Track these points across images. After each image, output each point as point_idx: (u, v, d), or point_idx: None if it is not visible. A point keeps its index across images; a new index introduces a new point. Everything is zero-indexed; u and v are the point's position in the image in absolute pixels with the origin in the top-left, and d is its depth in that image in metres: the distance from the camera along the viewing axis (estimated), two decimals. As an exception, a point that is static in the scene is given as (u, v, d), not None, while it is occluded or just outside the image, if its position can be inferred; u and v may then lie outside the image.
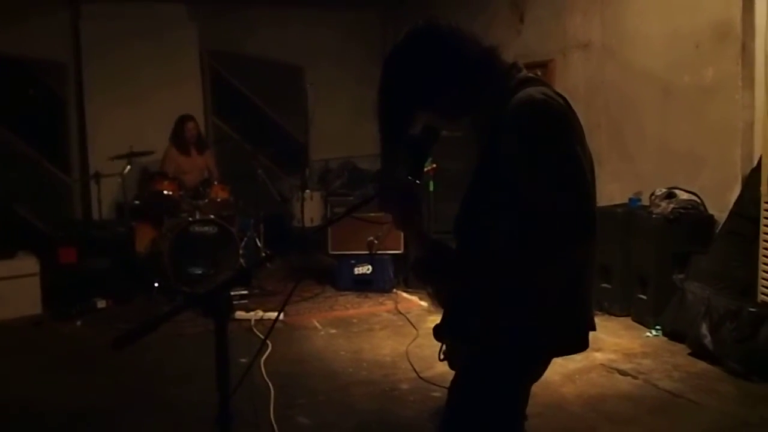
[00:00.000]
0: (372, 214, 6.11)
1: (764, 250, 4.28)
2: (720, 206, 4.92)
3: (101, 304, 5.91)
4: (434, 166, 5.96)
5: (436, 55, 1.78)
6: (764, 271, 4.28)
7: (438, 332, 1.93)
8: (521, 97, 1.68)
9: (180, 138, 6.99)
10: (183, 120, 7.03)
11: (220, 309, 1.61)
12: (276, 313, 5.45)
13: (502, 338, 1.79)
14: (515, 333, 1.76)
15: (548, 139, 1.64)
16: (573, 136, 1.68)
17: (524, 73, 1.82)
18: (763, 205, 4.27)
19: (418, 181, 1.86)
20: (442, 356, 1.99)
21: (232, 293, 1.90)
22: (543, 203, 1.61)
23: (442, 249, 1.87)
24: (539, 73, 1.90)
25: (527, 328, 1.76)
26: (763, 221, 4.28)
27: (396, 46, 1.87)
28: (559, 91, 1.80)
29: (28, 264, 5.93)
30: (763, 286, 4.28)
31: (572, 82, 6.15)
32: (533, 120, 1.65)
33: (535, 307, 1.75)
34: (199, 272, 6.13)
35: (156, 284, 6.12)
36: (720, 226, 4.86)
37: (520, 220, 1.66)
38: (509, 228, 1.70)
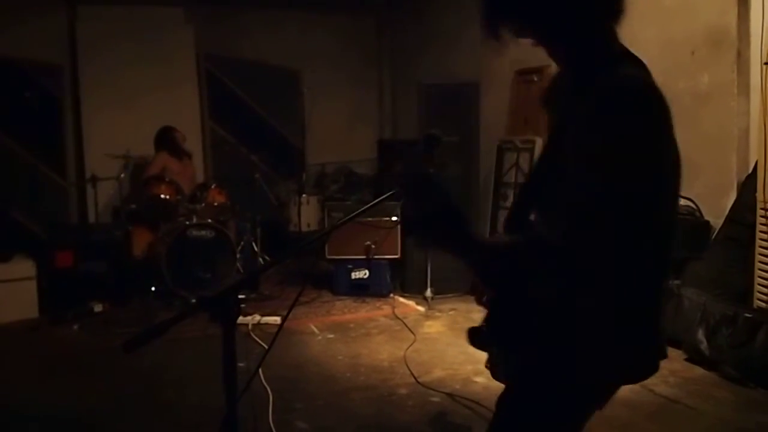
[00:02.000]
0: (370, 219, 6.16)
1: (760, 256, 4.30)
2: (716, 212, 4.94)
3: (98, 308, 5.90)
4: (429, 169, 5.97)
5: None
6: (760, 277, 4.30)
7: (475, 338, 1.66)
8: (615, 77, 1.47)
9: (173, 144, 7.00)
10: (169, 129, 7.05)
11: (228, 313, 1.62)
12: (275, 318, 5.47)
13: (566, 356, 1.55)
14: (584, 352, 1.54)
15: (626, 136, 1.40)
16: (661, 129, 1.48)
17: (623, 47, 1.60)
18: (759, 211, 4.29)
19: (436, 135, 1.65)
20: (487, 364, 1.74)
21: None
22: (585, 206, 1.41)
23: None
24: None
25: (600, 347, 1.54)
26: (759, 227, 4.31)
27: None
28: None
29: (24, 268, 5.92)
30: (759, 292, 4.30)
31: (569, 87, 6.16)
32: (618, 108, 1.41)
33: (610, 320, 1.52)
34: (196, 276, 6.12)
35: (153, 288, 6.12)
36: (716, 232, 4.89)
37: (573, 207, 1.44)
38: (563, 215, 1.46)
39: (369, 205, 2.14)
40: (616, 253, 1.44)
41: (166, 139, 7.02)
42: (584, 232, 1.40)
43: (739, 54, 4.81)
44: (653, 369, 1.61)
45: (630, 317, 1.54)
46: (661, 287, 1.59)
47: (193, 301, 5.92)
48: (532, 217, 1.65)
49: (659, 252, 1.54)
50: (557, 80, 1.67)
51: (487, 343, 1.68)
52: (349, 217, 2.20)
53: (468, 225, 1.47)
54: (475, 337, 1.66)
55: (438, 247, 1.54)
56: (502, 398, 1.73)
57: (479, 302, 1.69)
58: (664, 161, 1.49)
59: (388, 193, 2.13)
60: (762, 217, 4.27)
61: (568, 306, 1.50)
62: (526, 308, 1.56)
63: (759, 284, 4.31)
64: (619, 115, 1.40)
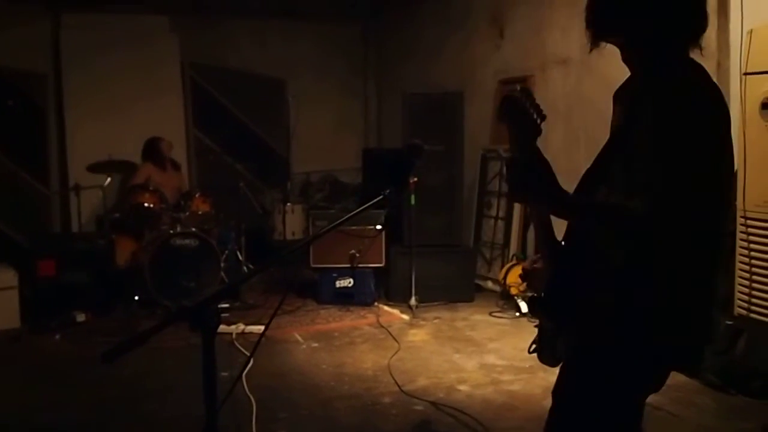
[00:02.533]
0: (354, 227, 6.16)
1: (740, 264, 4.34)
2: (697, 221, 4.99)
3: (80, 317, 5.85)
4: (415, 179, 6.00)
5: None
6: (740, 285, 4.34)
7: (537, 306, 1.80)
8: (678, 78, 1.72)
9: (157, 155, 6.99)
10: (156, 140, 7.03)
11: (209, 323, 1.62)
12: (259, 327, 5.45)
13: (626, 334, 1.68)
14: (641, 331, 1.66)
15: (690, 125, 1.63)
16: (718, 126, 1.69)
17: (696, 63, 1.81)
18: (739, 220, 4.34)
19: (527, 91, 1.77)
20: (531, 348, 1.89)
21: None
22: (654, 184, 1.61)
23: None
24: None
25: (656, 327, 1.66)
26: (740, 235, 4.35)
27: None
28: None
29: (6, 277, 5.87)
30: (740, 300, 4.34)
31: (551, 97, 6.21)
32: (681, 103, 1.65)
33: (668, 300, 1.66)
34: (180, 285, 6.10)
35: (136, 297, 6.09)
36: (697, 241, 4.93)
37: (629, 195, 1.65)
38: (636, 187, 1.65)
39: (352, 214, 2.15)
40: (680, 229, 1.61)
41: (151, 150, 7.01)
42: (656, 203, 1.59)
43: (719, 64, 4.86)
44: (702, 357, 1.79)
45: (686, 303, 1.69)
46: (716, 279, 1.75)
47: (174, 309, 5.89)
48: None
49: (715, 242, 1.71)
50: (628, 81, 1.89)
51: (547, 311, 1.81)
52: (333, 225, 2.20)
53: (557, 185, 1.68)
54: (535, 304, 1.81)
55: (540, 201, 1.74)
56: (558, 385, 1.86)
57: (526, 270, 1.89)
58: (717, 152, 1.68)
59: (372, 201, 2.14)
60: (742, 225, 4.31)
61: (631, 285, 1.66)
62: (588, 284, 1.73)
63: (739, 292, 4.35)
64: (677, 112, 1.63)
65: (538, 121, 1.70)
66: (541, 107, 1.70)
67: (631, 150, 1.69)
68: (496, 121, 1.71)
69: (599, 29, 1.81)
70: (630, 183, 1.67)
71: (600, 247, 1.75)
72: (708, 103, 1.69)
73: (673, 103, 1.64)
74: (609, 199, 1.74)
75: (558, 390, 1.88)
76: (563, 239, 1.84)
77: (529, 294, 1.83)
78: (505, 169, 1.72)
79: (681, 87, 1.69)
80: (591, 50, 1.85)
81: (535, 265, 1.95)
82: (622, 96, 1.89)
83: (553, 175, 1.68)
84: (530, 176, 1.66)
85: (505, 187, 6.55)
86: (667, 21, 1.75)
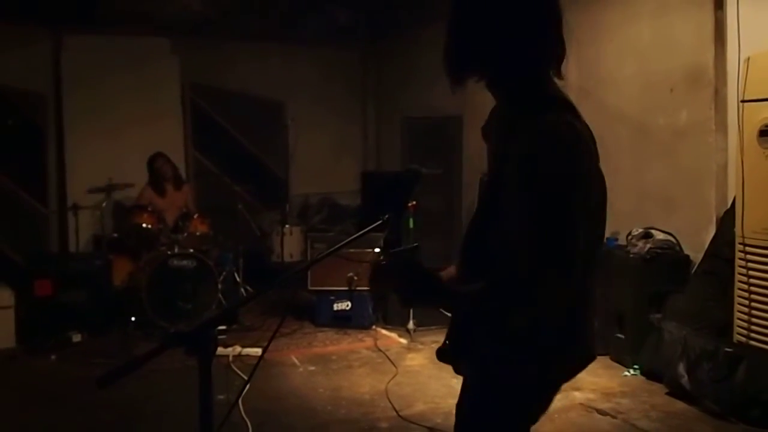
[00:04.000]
0: (353, 251, 6.15)
1: (739, 291, 4.34)
2: (695, 247, 4.99)
3: (77, 338, 5.83)
4: (414, 203, 6.00)
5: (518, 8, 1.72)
6: (740, 312, 4.33)
7: (442, 356, 1.94)
8: (542, 121, 1.66)
9: (155, 178, 6.95)
10: (151, 160, 6.99)
11: (205, 348, 1.61)
12: (256, 349, 5.42)
13: (510, 363, 1.79)
14: (524, 357, 1.78)
15: (549, 174, 1.62)
16: (581, 169, 1.68)
17: (560, 93, 1.79)
18: (738, 246, 4.34)
19: (416, 244, 1.90)
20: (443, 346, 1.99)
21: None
22: (526, 241, 1.62)
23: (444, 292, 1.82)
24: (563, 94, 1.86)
25: (537, 352, 1.77)
26: (738, 262, 4.35)
27: None
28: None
29: (2, 296, 5.83)
30: (739, 327, 4.33)
31: (550, 122, 6.23)
32: (545, 150, 1.63)
33: (541, 331, 1.76)
34: (177, 307, 6.07)
35: (132, 318, 6.06)
36: (695, 267, 4.93)
37: (501, 244, 1.72)
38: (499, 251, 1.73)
39: (353, 238, 2.15)
40: (555, 273, 1.62)
41: (150, 171, 6.98)
42: (528, 265, 1.62)
43: (716, 91, 4.91)
44: (583, 367, 1.88)
45: (566, 325, 1.78)
46: (589, 299, 1.84)
47: (170, 333, 5.84)
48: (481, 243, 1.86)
49: (588, 268, 1.74)
50: (494, 115, 1.90)
51: (448, 358, 1.94)
52: (333, 249, 2.19)
53: (440, 282, 1.78)
54: (440, 354, 1.94)
55: (423, 306, 1.88)
56: (458, 402, 2.01)
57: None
58: (586, 190, 1.69)
59: (372, 225, 2.14)
60: (740, 252, 4.31)
61: (511, 321, 1.75)
62: (475, 324, 1.84)
63: (738, 319, 4.34)
64: (544, 154, 1.62)
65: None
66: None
67: (502, 197, 1.73)
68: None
69: (453, 68, 1.80)
70: (502, 241, 1.72)
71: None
72: (575, 145, 1.67)
73: (538, 149, 1.63)
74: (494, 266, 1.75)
75: (458, 405, 2.02)
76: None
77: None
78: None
79: (545, 130, 1.65)
80: (454, 92, 1.83)
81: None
82: (489, 133, 1.92)
83: (430, 276, 1.74)
84: (414, 281, 1.73)
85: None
86: (516, 53, 1.72)
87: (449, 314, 1.94)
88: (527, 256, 1.62)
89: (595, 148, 1.77)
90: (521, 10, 1.71)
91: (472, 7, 1.76)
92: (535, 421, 1.90)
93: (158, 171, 6.95)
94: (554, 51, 1.77)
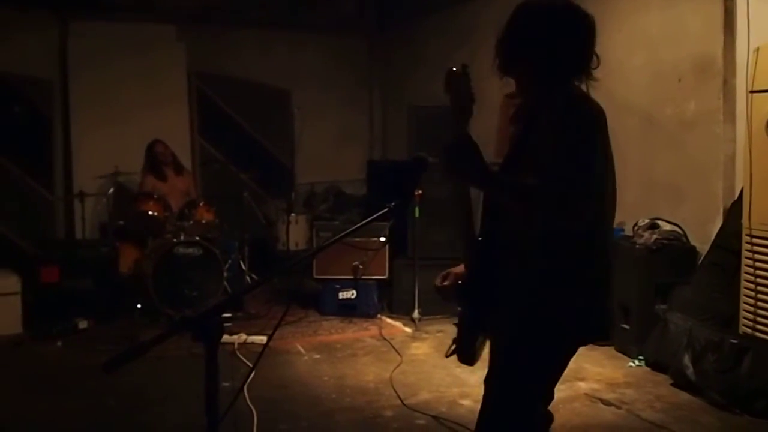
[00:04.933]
0: (358, 239, 6.15)
1: (746, 282, 4.32)
2: (702, 238, 4.98)
3: (83, 324, 5.85)
4: (420, 192, 5.99)
5: (562, 30, 2.10)
6: (746, 303, 4.32)
7: (460, 294, 2.17)
8: (563, 96, 2.04)
9: (153, 163, 6.96)
10: (150, 146, 7.00)
11: (212, 334, 1.61)
12: (261, 337, 5.44)
13: (540, 315, 2.04)
14: (553, 311, 2.03)
15: (577, 129, 1.97)
16: (598, 134, 2.02)
17: (579, 90, 2.13)
18: (745, 238, 4.32)
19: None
20: (450, 350, 2.21)
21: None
22: (552, 167, 1.91)
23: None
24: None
25: (557, 305, 2.04)
26: (745, 253, 4.33)
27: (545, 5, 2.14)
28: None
29: (9, 283, 5.87)
30: (745, 318, 4.32)
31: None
32: (569, 112, 1.99)
33: (570, 286, 2.05)
34: (183, 294, 6.08)
35: (138, 306, 6.08)
36: (702, 258, 4.92)
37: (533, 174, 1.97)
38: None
39: (360, 225, 2.15)
40: (580, 192, 1.91)
41: (148, 156, 6.99)
42: (546, 178, 1.93)
43: (725, 82, 4.87)
44: (603, 331, 2.15)
45: (581, 280, 2.07)
46: (608, 261, 2.14)
47: (177, 319, 5.87)
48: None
49: (601, 227, 2.09)
50: (522, 106, 2.24)
51: (468, 298, 2.18)
52: (338, 237, 2.19)
53: (485, 162, 2.00)
54: (459, 292, 2.16)
55: (471, 179, 2.04)
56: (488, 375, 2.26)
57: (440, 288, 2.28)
58: (598, 155, 2.00)
59: (378, 213, 2.14)
60: (747, 243, 4.30)
61: (531, 269, 2.06)
62: (498, 275, 2.12)
63: (744, 310, 4.33)
64: (566, 114, 2.00)
65: (470, 103, 2.00)
66: (473, 91, 1.98)
67: (528, 155, 2.07)
68: (445, 93, 1.97)
69: (504, 65, 2.16)
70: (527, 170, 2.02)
71: (513, 245, 2.11)
72: (591, 114, 2.03)
73: (563, 113, 1.99)
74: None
75: (487, 376, 2.26)
76: (480, 236, 2.18)
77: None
78: (441, 149, 1.99)
79: (568, 102, 2.03)
80: (501, 78, 2.19)
81: (444, 283, 2.31)
82: (517, 119, 2.23)
83: (481, 156, 1.97)
84: (463, 157, 1.96)
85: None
86: (557, 63, 2.08)
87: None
88: (557, 173, 1.90)
89: (606, 124, 2.08)
90: (558, 30, 2.09)
91: (526, 23, 2.12)
92: (555, 377, 2.16)
93: (158, 156, 6.96)
94: (582, 66, 2.14)
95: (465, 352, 2.27)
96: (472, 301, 2.18)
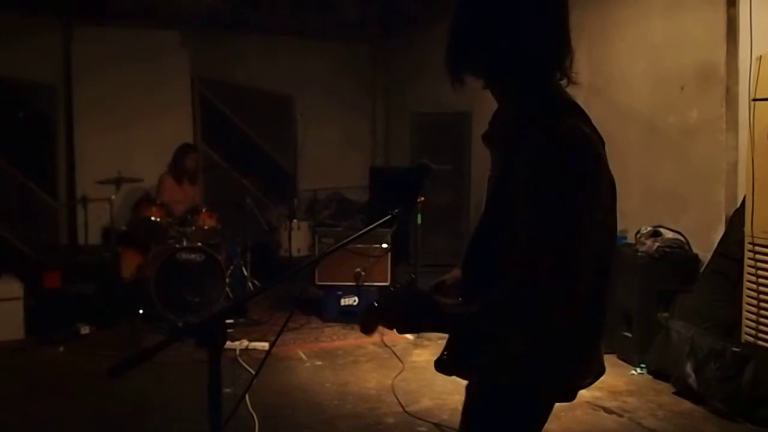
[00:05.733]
0: (361, 246, 6.15)
1: (748, 291, 4.32)
2: (704, 246, 4.98)
3: (85, 330, 5.84)
4: (422, 198, 5.99)
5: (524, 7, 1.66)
6: (748, 311, 4.32)
7: (441, 367, 1.87)
8: (552, 130, 1.59)
9: (179, 167, 7.02)
10: (186, 149, 7.08)
11: (215, 340, 1.61)
12: (263, 343, 5.44)
13: (512, 375, 1.75)
14: (526, 371, 1.73)
15: (561, 189, 1.55)
16: (591, 181, 1.61)
17: (566, 96, 1.73)
18: (747, 246, 4.32)
19: (413, 276, 1.88)
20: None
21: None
22: (531, 253, 1.55)
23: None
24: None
25: (536, 368, 1.72)
26: (747, 261, 4.33)
27: None
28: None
29: (11, 288, 5.87)
30: (747, 326, 4.31)
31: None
32: (555, 160, 1.56)
33: (554, 345, 1.68)
34: (185, 300, 6.09)
35: (140, 311, 6.08)
36: (704, 266, 4.92)
37: (508, 266, 1.63)
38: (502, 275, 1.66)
39: (362, 231, 2.13)
40: (559, 293, 1.54)
41: (176, 158, 7.07)
42: (532, 288, 1.54)
43: (727, 90, 4.88)
44: (586, 385, 1.82)
45: (576, 339, 1.71)
46: (601, 321, 1.78)
47: (180, 325, 5.87)
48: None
49: (600, 283, 1.71)
50: (496, 121, 1.84)
51: (448, 370, 1.86)
52: (342, 243, 2.18)
53: (436, 305, 1.69)
54: (439, 364, 1.85)
55: (422, 331, 1.79)
56: (464, 409, 1.99)
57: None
58: (597, 204, 1.61)
59: (381, 220, 2.13)
60: (750, 251, 4.30)
61: (511, 343, 1.69)
62: (476, 341, 1.75)
63: (747, 319, 4.32)
64: (555, 165, 1.55)
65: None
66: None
67: (509, 209, 1.63)
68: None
69: (453, 67, 1.74)
70: (512, 250, 1.62)
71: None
72: (588, 149, 1.61)
73: (548, 158, 1.56)
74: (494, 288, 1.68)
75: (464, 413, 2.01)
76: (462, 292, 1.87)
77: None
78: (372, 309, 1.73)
79: (555, 140, 1.58)
80: (455, 89, 1.78)
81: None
82: (493, 138, 1.84)
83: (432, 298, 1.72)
84: (412, 302, 1.69)
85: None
86: (518, 52, 1.66)
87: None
88: (530, 273, 1.54)
89: (605, 152, 1.69)
90: (522, 8, 1.66)
91: (473, 6, 1.72)
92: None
93: (185, 163, 7.05)
94: (558, 52, 1.70)
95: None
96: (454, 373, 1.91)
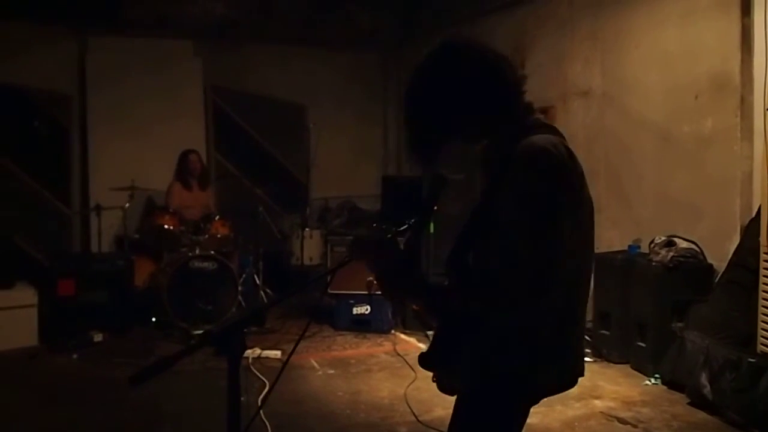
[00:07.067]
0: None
1: (764, 301, 4.28)
2: (719, 256, 4.95)
3: (98, 337, 5.87)
4: (435, 208, 5.98)
5: (466, 75, 1.84)
6: (764, 322, 4.28)
7: (424, 361, 1.94)
8: (526, 144, 1.75)
9: (183, 171, 7.04)
10: (186, 153, 7.10)
11: (235, 348, 1.62)
12: (275, 352, 5.45)
13: (493, 373, 1.83)
14: (505, 369, 1.82)
15: (535, 193, 1.70)
16: (564, 189, 1.75)
17: (537, 116, 1.91)
18: (763, 256, 4.29)
19: (400, 236, 1.95)
20: (434, 378, 2.01)
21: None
22: (508, 249, 1.68)
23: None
24: (541, 117, 1.94)
25: (517, 365, 1.81)
26: (763, 272, 4.30)
27: (426, 60, 1.91)
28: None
29: (26, 295, 5.91)
30: (763, 337, 4.28)
31: (572, 128, 6.20)
32: (528, 170, 1.72)
33: (523, 344, 1.80)
34: (198, 308, 6.10)
35: (153, 319, 6.10)
36: (719, 276, 4.88)
37: (489, 259, 1.75)
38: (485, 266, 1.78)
39: (378, 242, 2.14)
40: (533, 285, 1.68)
41: (180, 164, 7.08)
42: (509, 272, 1.68)
43: (742, 99, 4.86)
44: (569, 384, 1.91)
45: (544, 339, 1.81)
46: (575, 319, 1.87)
47: (199, 333, 5.88)
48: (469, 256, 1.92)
49: (571, 287, 1.82)
50: (489, 148, 1.98)
51: (430, 365, 1.95)
52: (346, 261, 2.22)
53: (418, 273, 1.87)
54: (423, 360, 1.94)
55: (398, 295, 1.97)
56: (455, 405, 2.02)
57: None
58: (568, 207, 1.75)
59: (398, 229, 2.15)
60: (765, 261, 4.27)
61: (493, 332, 1.80)
62: (459, 336, 1.87)
63: (762, 329, 4.28)
64: (526, 174, 1.72)
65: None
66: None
67: (493, 216, 1.78)
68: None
69: (423, 151, 1.97)
70: (487, 251, 1.78)
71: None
72: (563, 168, 1.75)
73: (523, 169, 1.72)
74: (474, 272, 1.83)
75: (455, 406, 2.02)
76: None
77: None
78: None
79: (531, 150, 1.74)
80: (425, 169, 1.96)
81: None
82: (486, 162, 1.99)
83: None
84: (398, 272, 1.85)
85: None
86: (476, 111, 1.86)
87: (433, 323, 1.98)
88: (509, 260, 1.67)
89: (581, 169, 1.83)
90: (461, 79, 1.83)
91: (420, 95, 1.90)
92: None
93: (188, 165, 7.05)
94: (511, 90, 1.87)
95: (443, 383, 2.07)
96: (435, 369, 1.99)
